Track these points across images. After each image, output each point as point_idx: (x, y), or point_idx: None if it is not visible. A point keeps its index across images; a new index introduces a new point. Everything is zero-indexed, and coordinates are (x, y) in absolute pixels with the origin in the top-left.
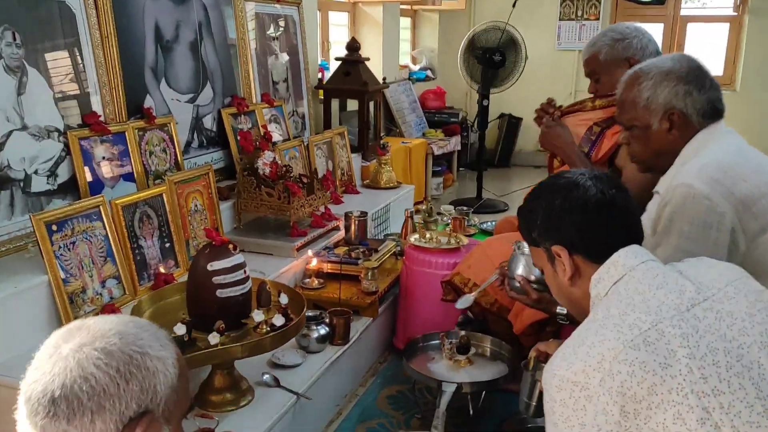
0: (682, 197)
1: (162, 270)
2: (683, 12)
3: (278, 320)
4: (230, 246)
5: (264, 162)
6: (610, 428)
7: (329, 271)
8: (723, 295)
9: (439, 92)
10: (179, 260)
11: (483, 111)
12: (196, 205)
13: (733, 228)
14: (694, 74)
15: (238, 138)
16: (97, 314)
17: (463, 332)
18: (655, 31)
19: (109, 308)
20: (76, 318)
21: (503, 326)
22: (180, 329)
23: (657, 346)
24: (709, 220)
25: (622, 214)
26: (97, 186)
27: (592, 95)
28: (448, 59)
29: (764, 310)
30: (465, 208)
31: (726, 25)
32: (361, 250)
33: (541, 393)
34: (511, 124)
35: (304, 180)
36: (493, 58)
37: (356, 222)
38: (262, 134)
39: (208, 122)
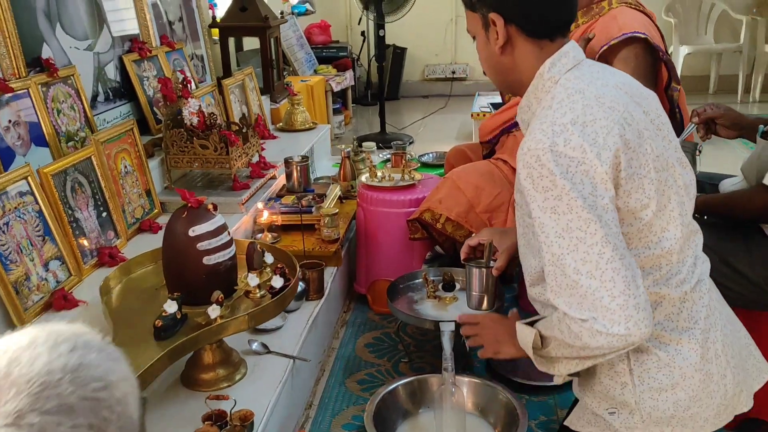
0: None
1: (103, 243)
2: None
3: (277, 282)
4: (209, 206)
5: (190, 111)
6: (605, 195)
7: (284, 222)
8: (642, 91)
9: (324, 26)
10: (119, 230)
11: (380, 42)
12: (125, 167)
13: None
14: None
15: (152, 87)
16: (48, 303)
17: (445, 269)
18: None
19: (60, 294)
20: (26, 311)
21: None
22: (171, 306)
23: (632, 126)
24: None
25: None
26: (7, 156)
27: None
28: None
29: (662, 110)
30: (400, 142)
31: None
32: (310, 196)
33: (487, 281)
34: (396, 54)
35: (236, 127)
36: None
37: (298, 168)
38: (180, 80)
39: (111, 71)
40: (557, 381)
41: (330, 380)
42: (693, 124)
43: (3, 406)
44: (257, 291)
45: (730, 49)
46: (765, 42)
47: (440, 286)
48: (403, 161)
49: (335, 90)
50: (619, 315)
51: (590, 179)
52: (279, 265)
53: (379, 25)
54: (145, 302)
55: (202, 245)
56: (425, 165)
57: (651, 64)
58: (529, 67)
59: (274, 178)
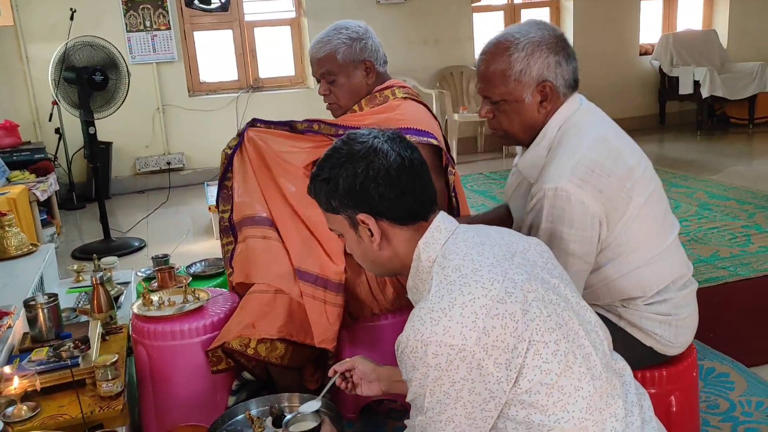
0: (561, 201)
1: None
2: (247, 18)
3: None
4: None
5: None
6: (485, 381)
7: (45, 385)
8: (520, 246)
9: (10, 126)
10: None
11: (92, 140)
12: None
13: (600, 222)
14: (561, 44)
15: None
16: None
17: (269, 398)
18: (226, 37)
19: None
20: None
21: (292, 377)
22: None
23: (515, 295)
24: (585, 221)
25: (419, 176)
26: None
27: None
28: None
29: (548, 254)
30: (162, 255)
31: (288, 28)
32: (70, 344)
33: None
34: (101, 150)
35: None
36: (93, 78)
37: (45, 310)
38: None
39: None
40: None
41: None
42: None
43: None
44: None
45: None
46: (453, 111)
47: (268, 422)
48: (173, 279)
49: (42, 199)
50: None
51: (467, 365)
52: None
53: (88, 123)
54: None
55: None
56: (197, 277)
57: (439, 162)
58: (408, 251)
59: (10, 327)
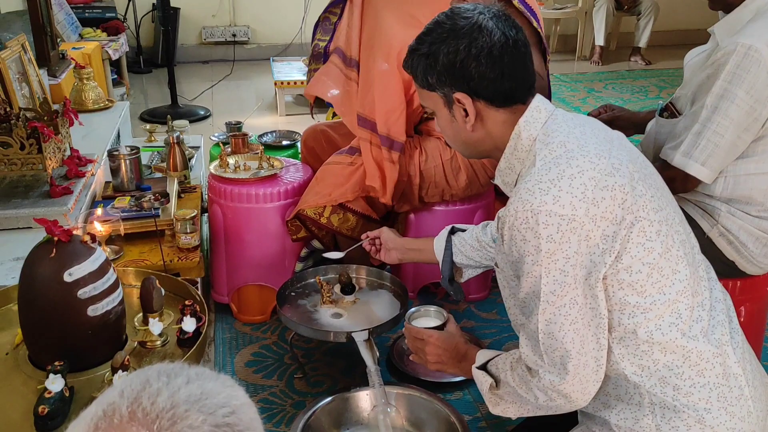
0: (749, 62)
1: None
2: None
3: (189, 324)
4: (85, 237)
5: None
6: (591, 252)
7: (128, 231)
8: (615, 135)
9: None
10: None
11: (164, 2)
12: None
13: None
14: None
15: None
16: None
17: (338, 267)
18: None
19: None
20: None
21: (358, 250)
22: (56, 382)
23: (622, 171)
24: (764, 92)
25: (521, 58)
26: None
27: None
28: None
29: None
30: (235, 122)
31: None
32: (150, 196)
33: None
34: (170, 15)
35: (35, 114)
36: None
37: (127, 161)
38: None
39: None
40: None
41: None
42: None
43: None
44: (157, 340)
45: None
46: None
47: (336, 289)
48: (246, 146)
49: (113, 58)
50: (587, 386)
51: (577, 236)
52: (187, 302)
53: None
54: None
55: (85, 292)
56: (268, 147)
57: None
58: (503, 133)
59: (93, 175)
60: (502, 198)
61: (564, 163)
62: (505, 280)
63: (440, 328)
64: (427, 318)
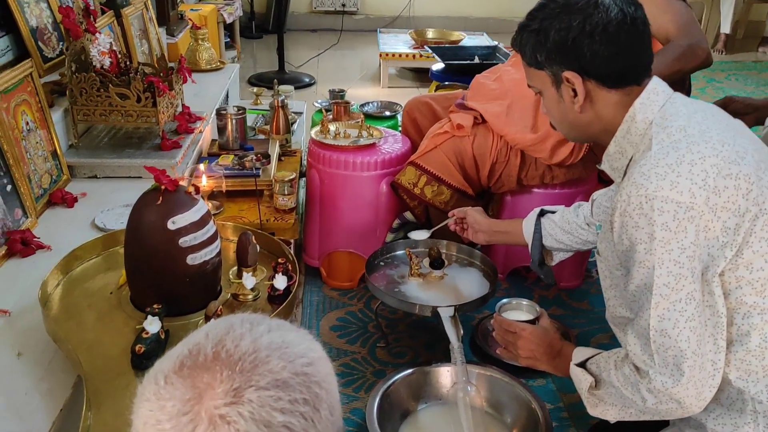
0: None
1: (11, 226)
2: None
3: (280, 282)
4: (190, 188)
5: (100, 50)
6: (709, 245)
7: (230, 189)
8: (737, 123)
9: None
10: (27, 206)
11: None
12: (27, 123)
13: None
14: None
15: (34, 15)
16: None
17: (428, 241)
18: None
19: None
20: None
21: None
22: (153, 324)
23: (747, 159)
24: None
25: (640, 36)
26: None
27: None
28: None
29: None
30: (339, 90)
31: None
32: (252, 156)
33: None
34: None
35: (152, 70)
36: None
37: (233, 121)
38: (82, 8)
39: None
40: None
41: None
42: None
43: (219, 386)
44: (249, 294)
45: None
46: None
47: (425, 263)
48: (347, 113)
49: (227, 21)
50: (702, 391)
51: (695, 226)
52: (280, 261)
53: None
54: (103, 314)
55: (186, 240)
56: (369, 116)
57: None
58: (614, 116)
59: (201, 132)
60: (604, 184)
61: (684, 148)
62: (607, 270)
63: (532, 323)
64: (518, 311)
